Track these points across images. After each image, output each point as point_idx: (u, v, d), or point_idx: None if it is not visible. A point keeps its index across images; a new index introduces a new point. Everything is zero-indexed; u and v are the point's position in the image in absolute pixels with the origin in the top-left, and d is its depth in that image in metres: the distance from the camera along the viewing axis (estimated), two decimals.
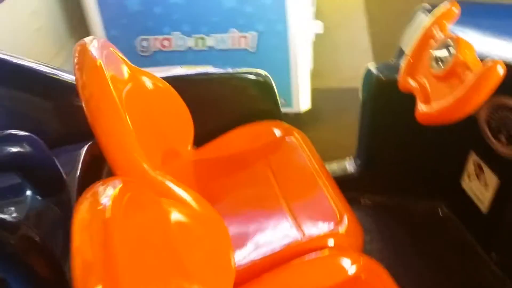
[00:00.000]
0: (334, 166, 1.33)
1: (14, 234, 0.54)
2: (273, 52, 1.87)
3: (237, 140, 1.11)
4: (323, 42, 2.40)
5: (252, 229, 0.95)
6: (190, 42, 1.89)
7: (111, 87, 0.73)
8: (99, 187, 0.58)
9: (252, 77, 1.15)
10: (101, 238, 0.52)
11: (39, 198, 0.72)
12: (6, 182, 0.72)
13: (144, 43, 1.91)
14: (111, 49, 0.87)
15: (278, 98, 1.19)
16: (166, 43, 1.90)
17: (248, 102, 1.15)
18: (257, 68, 1.88)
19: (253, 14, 1.81)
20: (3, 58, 0.87)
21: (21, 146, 0.63)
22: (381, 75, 1.15)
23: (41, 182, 0.68)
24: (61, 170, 0.75)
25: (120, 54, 0.90)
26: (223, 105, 1.13)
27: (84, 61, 0.76)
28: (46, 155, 0.69)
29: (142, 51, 1.92)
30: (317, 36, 2.23)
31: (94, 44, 0.81)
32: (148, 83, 0.95)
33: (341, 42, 2.68)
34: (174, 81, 1.03)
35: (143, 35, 1.89)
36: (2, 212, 0.71)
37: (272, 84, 1.17)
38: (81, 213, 0.54)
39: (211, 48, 1.89)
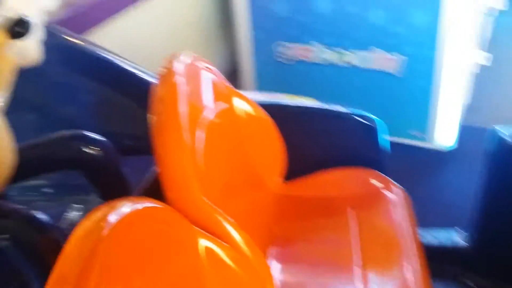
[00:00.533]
0: (440, 234, 1.14)
1: (45, 236, 0.53)
2: (415, 78, 1.69)
3: (329, 182, 1.01)
4: (490, 76, 2.11)
5: (312, 285, 0.86)
6: (330, 55, 1.80)
7: (178, 104, 0.69)
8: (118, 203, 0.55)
9: (358, 119, 1.03)
10: (85, 254, 0.49)
11: (102, 201, 0.73)
12: (76, 180, 0.74)
13: (284, 50, 1.86)
14: (206, 67, 0.83)
15: (383, 147, 1.05)
16: (305, 52, 1.84)
17: (349, 144, 1.04)
18: (396, 93, 1.73)
19: (402, 35, 1.65)
20: (109, 59, 0.89)
21: (93, 149, 0.63)
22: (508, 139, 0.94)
23: (104, 186, 0.68)
24: (128, 179, 0.74)
25: (216, 73, 0.86)
26: (321, 143, 1.04)
27: (165, 75, 0.74)
28: (115, 163, 0.70)
29: (280, 57, 1.88)
30: (482, 68, 1.97)
31: (184, 60, 0.78)
32: (242, 106, 0.91)
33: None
34: (272, 108, 0.97)
35: (284, 41, 1.85)
36: (67, 209, 0.73)
37: (378, 131, 1.04)
38: (80, 226, 0.52)
39: (352, 65, 1.78)
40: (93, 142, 0.62)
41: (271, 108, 0.99)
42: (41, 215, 0.51)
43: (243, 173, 0.88)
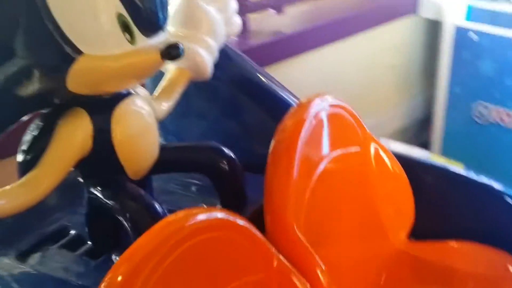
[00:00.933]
0: None
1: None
2: None
3: (458, 253, 0.93)
4: None
5: None
6: None
7: (299, 139, 0.73)
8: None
9: (508, 199, 0.93)
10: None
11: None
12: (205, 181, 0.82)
13: (483, 110, 1.75)
14: (344, 110, 0.86)
15: None
16: (506, 118, 1.70)
17: (491, 222, 0.93)
18: None
19: None
20: (277, 94, 0.94)
21: (223, 163, 0.71)
22: None
23: (225, 197, 0.75)
24: (247, 195, 0.79)
25: (355, 118, 0.87)
26: (459, 211, 0.96)
27: (295, 109, 0.79)
28: (238, 179, 0.73)
29: (477, 117, 1.77)
30: None
31: (319, 101, 0.81)
32: (377, 154, 0.90)
33: None
34: (410, 162, 0.93)
35: (485, 101, 1.74)
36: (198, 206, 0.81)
37: None
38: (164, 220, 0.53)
39: None
40: (225, 157, 0.69)
41: (408, 161, 0.94)
42: (159, 207, 0.59)
43: (361, 220, 0.86)
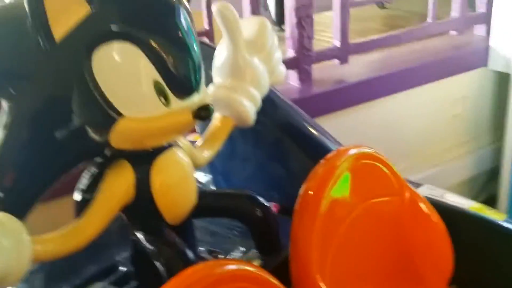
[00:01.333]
0: None
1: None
2: None
3: None
4: None
5: None
6: None
7: (326, 190, 0.76)
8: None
9: None
10: None
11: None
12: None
13: None
14: (378, 160, 0.88)
15: None
16: None
17: None
18: None
19: None
20: (324, 144, 0.98)
21: (257, 211, 0.75)
22: None
23: (259, 242, 0.79)
24: (281, 241, 0.78)
25: (390, 168, 0.91)
26: (498, 260, 0.96)
27: (328, 158, 0.83)
28: (272, 226, 0.77)
29: None
30: None
31: (354, 151, 0.85)
32: (412, 202, 0.93)
33: None
34: (447, 210, 0.95)
35: None
36: (235, 250, 0.86)
37: None
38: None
39: None
40: (259, 205, 0.74)
41: (448, 211, 0.95)
42: (191, 254, 0.64)
43: (396, 269, 0.87)
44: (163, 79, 0.58)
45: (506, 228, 0.96)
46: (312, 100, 1.62)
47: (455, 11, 1.94)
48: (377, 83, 1.75)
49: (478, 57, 1.92)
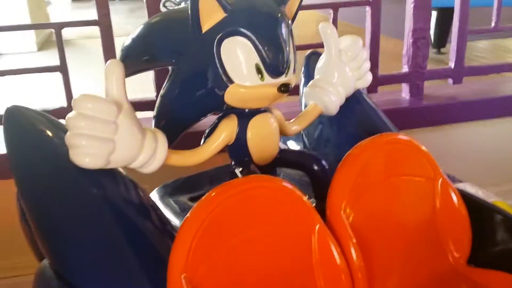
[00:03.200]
0: None
1: None
2: None
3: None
4: None
5: None
6: None
7: (365, 157, 0.99)
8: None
9: None
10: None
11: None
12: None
13: None
14: (417, 147, 1.06)
15: None
16: None
17: None
18: None
19: None
20: (376, 119, 1.24)
21: (318, 167, 1.04)
22: None
23: (316, 191, 1.05)
24: None
25: (428, 155, 1.07)
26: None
27: (375, 136, 1.04)
28: (326, 178, 1.01)
29: None
30: None
31: (393, 136, 1.06)
32: (444, 187, 1.08)
33: None
34: (472, 201, 1.09)
35: None
36: None
37: None
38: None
39: None
40: (318, 162, 1.01)
41: (472, 202, 1.11)
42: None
43: (422, 236, 1.04)
44: (262, 63, 0.89)
45: None
46: (421, 111, 1.84)
47: None
48: (493, 103, 1.89)
49: None
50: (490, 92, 1.93)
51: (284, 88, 0.92)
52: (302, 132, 1.24)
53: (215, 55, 0.90)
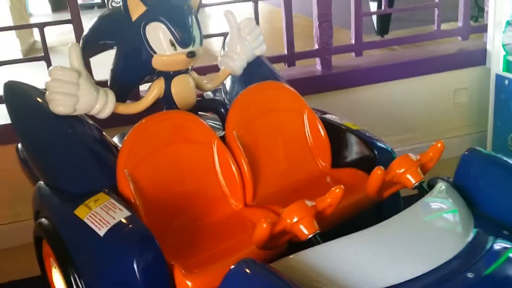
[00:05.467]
0: None
1: None
2: None
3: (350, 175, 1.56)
4: None
5: None
6: None
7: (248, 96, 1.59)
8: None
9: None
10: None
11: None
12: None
13: None
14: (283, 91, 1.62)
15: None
16: None
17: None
18: None
19: None
20: (270, 75, 1.80)
21: (221, 108, 1.60)
22: None
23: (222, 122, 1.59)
24: None
25: (296, 95, 1.62)
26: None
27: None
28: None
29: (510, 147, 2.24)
30: None
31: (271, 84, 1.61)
32: (309, 115, 1.62)
33: None
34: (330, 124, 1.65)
35: None
36: None
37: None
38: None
39: None
40: (225, 106, 1.56)
41: (330, 124, 1.63)
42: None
43: (297, 149, 1.56)
44: (174, 38, 1.39)
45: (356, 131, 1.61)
46: (331, 77, 2.34)
47: (459, 22, 2.51)
48: (387, 69, 2.40)
49: (477, 57, 2.45)
50: (384, 61, 2.44)
51: (191, 54, 1.43)
52: (222, 89, 1.73)
53: (143, 35, 1.42)
